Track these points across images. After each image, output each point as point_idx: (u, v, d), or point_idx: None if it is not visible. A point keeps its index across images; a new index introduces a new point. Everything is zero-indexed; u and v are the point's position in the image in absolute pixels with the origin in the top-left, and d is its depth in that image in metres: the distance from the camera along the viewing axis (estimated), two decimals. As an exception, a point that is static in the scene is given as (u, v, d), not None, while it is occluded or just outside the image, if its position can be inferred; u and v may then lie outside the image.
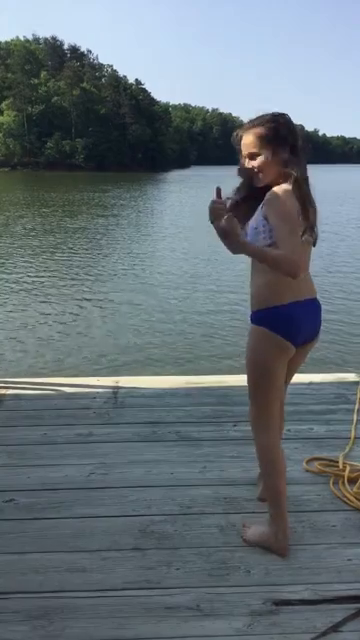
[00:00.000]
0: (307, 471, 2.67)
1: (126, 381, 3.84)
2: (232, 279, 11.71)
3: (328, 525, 2.28)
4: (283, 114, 2.01)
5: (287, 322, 2.00)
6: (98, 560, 2.07)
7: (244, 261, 2.10)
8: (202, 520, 2.31)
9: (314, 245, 2.05)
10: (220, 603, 1.86)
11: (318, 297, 2.15)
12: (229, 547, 2.14)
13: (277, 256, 1.90)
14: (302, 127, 2.04)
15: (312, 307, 2.09)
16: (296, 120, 2.02)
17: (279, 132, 1.97)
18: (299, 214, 1.90)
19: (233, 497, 2.46)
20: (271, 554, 2.09)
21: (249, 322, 2.10)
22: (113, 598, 1.89)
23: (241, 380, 3.71)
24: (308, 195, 1.95)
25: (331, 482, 2.57)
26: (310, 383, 3.74)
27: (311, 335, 2.12)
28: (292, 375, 2.24)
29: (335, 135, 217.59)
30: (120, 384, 3.74)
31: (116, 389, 3.66)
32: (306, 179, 1.97)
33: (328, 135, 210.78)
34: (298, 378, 3.78)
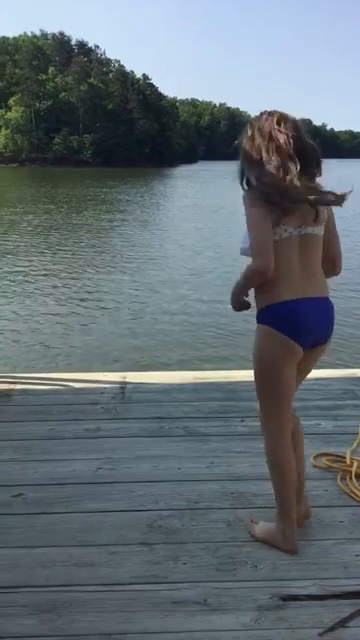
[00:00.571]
0: (315, 466, 2.67)
1: (133, 376, 3.84)
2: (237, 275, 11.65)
3: (335, 521, 2.27)
4: (261, 114, 1.98)
5: (289, 319, 1.95)
6: (106, 554, 2.08)
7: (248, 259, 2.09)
8: (209, 515, 2.31)
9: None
10: (227, 598, 1.87)
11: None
12: (236, 542, 2.14)
13: (243, 277, 2.00)
14: (306, 121, 2.02)
15: (320, 306, 2.01)
16: (303, 114, 2.01)
17: (241, 136, 1.99)
18: (270, 213, 1.88)
19: (241, 492, 2.46)
20: (279, 549, 2.09)
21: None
22: (120, 592, 1.90)
23: (248, 375, 3.69)
24: (279, 194, 1.86)
25: (339, 478, 2.56)
26: (318, 379, 3.72)
27: (321, 337, 2.04)
28: (302, 378, 2.18)
29: (343, 129, 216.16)
30: (127, 379, 3.75)
31: (123, 384, 3.66)
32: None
33: (336, 129, 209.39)
34: (306, 373, 3.79)
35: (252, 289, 2.04)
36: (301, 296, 1.95)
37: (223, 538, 2.17)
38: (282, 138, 1.89)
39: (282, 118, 1.94)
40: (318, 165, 1.98)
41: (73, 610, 1.82)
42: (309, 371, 2.19)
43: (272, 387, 2.04)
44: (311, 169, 1.95)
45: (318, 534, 2.19)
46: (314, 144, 1.97)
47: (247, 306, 2.09)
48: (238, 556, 2.07)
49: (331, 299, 2.08)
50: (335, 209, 2.06)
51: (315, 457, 2.73)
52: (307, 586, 1.92)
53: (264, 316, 1.99)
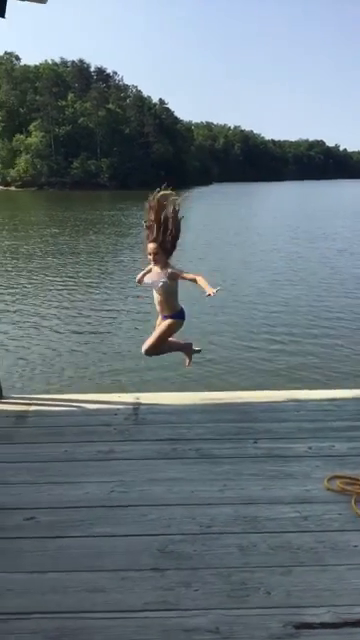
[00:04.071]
0: (328, 490, 2.63)
1: (147, 398, 3.84)
2: (253, 293, 11.64)
3: (350, 545, 2.23)
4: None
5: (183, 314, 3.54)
6: (117, 580, 2.06)
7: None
8: (222, 540, 2.28)
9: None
10: (239, 626, 1.83)
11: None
12: (249, 568, 2.11)
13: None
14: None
15: None
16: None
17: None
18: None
19: (253, 516, 2.43)
20: (292, 575, 2.06)
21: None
22: (131, 619, 1.87)
23: (262, 396, 3.69)
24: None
25: (353, 501, 2.52)
26: (332, 400, 3.69)
27: None
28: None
29: (357, 150, 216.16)
30: (141, 400, 3.75)
31: (137, 405, 3.66)
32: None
33: (349, 150, 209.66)
34: (319, 394, 3.75)
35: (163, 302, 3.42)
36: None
37: (235, 564, 2.14)
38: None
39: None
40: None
41: (83, 638, 1.80)
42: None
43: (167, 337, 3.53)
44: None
45: (332, 559, 2.15)
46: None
47: None
48: (250, 582, 2.04)
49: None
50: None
51: (329, 480, 2.69)
52: (321, 614, 1.88)
53: (180, 314, 3.45)
